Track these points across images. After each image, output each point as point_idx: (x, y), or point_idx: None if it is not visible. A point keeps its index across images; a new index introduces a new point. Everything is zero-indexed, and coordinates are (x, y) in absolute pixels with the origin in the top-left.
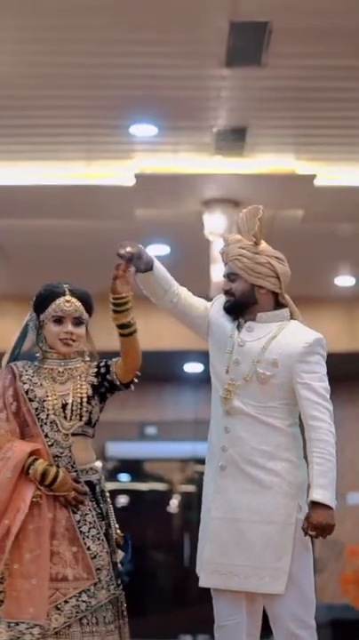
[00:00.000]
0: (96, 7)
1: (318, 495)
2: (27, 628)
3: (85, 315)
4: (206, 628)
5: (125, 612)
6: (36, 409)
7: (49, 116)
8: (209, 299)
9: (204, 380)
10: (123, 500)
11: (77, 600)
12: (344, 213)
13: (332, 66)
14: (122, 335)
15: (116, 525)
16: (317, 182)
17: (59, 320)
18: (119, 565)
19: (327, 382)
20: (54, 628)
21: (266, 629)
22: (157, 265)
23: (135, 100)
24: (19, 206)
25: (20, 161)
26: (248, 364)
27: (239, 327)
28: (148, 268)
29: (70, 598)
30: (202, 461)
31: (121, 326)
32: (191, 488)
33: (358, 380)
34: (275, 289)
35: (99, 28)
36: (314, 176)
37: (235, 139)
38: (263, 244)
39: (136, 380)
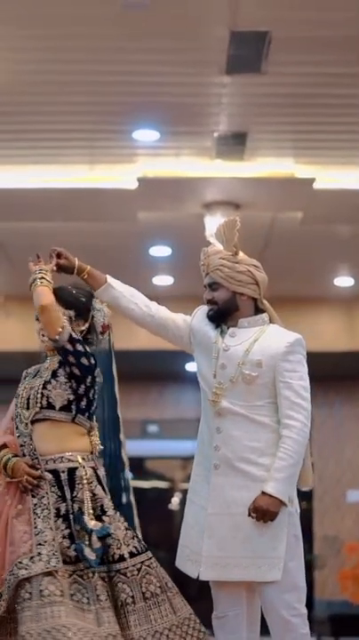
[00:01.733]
0: (100, 17)
1: (269, 487)
2: None
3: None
4: (207, 623)
5: (104, 597)
6: (16, 405)
7: (53, 121)
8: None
9: None
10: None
11: (9, 574)
12: (342, 215)
13: (330, 73)
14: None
15: (121, 519)
16: (316, 185)
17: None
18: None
19: (307, 381)
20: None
21: (265, 626)
22: (114, 280)
23: (138, 106)
24: (24, 209)
25: (26, 164)
26: (233, 367)
27: (222, 333)
28: (99, 282)
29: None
30: None
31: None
32: None
33: (357, 379)
34: (254, 295)
35: (103, 37)
36: (312, 179)
37: (235, 143)
38: (241, 254)
39: (60, 330)
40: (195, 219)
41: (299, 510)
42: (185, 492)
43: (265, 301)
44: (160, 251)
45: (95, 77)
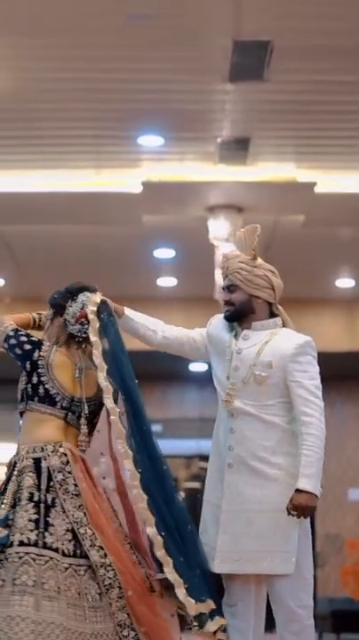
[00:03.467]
0: (106, 27)
1: (302, 483)
2: None
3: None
4: None
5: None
6: None
7: (60, 127)
8: (214, 301)
9: (209, 378)
10: None
11: None
12: (343, 219)
13: (330, 81)
14: (34, 328)
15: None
16: (317, 189)
17: None
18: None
19: (318, 380)
20: None
21: (268, 621)
22: (136, 313)
23: (143, 113)
24: (31, 212)
25: (33, 169)
26: (245, 368)
27: (236, 336)
28: (119, 314)
29: None
30: (206, 458)
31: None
32: (196, 484)
33: (358, 379)
34: (270, 299)
35: (109, 46)
36: (314, 183)
37: (238, 148)
38: (259, 259)
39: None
40: (199, 222)
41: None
42: (188, 491)
43: (279, 307)
44: (164, 253)
45: (101, 85)
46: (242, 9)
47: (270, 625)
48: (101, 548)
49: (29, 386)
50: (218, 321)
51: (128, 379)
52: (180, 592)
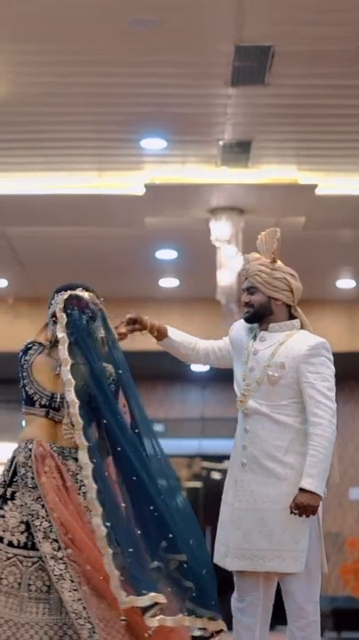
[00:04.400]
0: (110, 33)
1: (306, 483)
2: None
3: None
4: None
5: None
6: None
7: (65, 130)
8: (215, 301)
9: (210, 378)
10: None
11: None
12: (344, 220)
13: (330, 85)
14: None
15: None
16: (318, 191)
17: None
18: None
19: (331, 382)
20: None
21: (272, 621)
22: (175, 332)
23: (146, 117)
24: (35, 214)
25: (37, 172)
26: (260, 369)
27: (254, 338)
28: (162, 334)
29: None
30: (207, 458)
31: None
32: (197, 484)
33: None
34: (288, 302)
35: (112, 51)
36: (315, 185)
37: (240, 151)
38: (279, 262)
39: None
40: (201, 223)
41: (322, 507)
42: (189, 491)
43: (298, 309)
44: (166, 254)
45: (105, 89)
46: (244, 15)
47: (273, 623)
48: (56, 540)
49: (21, 390)
50: (239, 326)
51: (97, 374)
52: (113, 584)
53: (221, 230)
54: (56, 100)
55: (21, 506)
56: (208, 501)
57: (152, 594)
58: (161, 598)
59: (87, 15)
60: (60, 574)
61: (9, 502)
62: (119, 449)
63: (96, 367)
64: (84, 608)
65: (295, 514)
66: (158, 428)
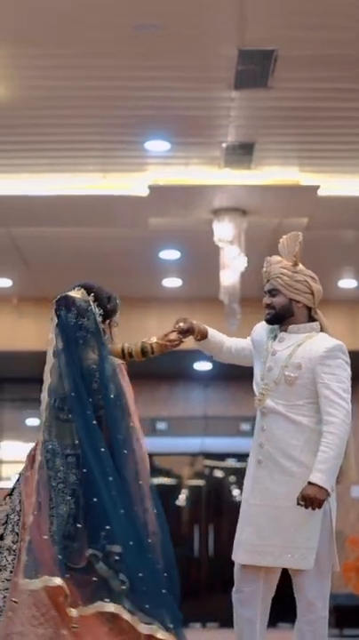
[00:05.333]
0: (116, 37)
1: (314, 477)
2: None
3: None
4: (215, 617)
5: None
6: None
7: (70, 132)
8: (218, 301)
9: (213, 377)
10: None
11: None
12: (345, 221)
13: (332, 88)
14: (124, 358)
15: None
16: (320, 192)
17: (116, 325)
18: None
19: (348, 384)
20: None
21: (273, 618)
22: (212, 332)
23: (150, 119)
24: (41, 215)
25: (43, 173)
26: (278, 369)
27: (274, 339)
28: (204, 336)
29: None
30: (210, 456)
31: (130, 360)
32: (200, 482)
33: None
34: (309, 304)
35: (117, 55)
36: (317, 187)
37: (243, 153)
38: (300, 265)
39: None
40: (204, 224)
41: (335, 506)
42: (191, 489)
43: (318, 311)
44: (169, 254)
45: (109, 92)
46: (246, 19)
47: (276, 621)
48: (17, 534)
49: None
50: (261, 327)
51: (74, 375)
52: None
53: (224, 231)
54: (61, 103)
55: (12, 501)
56: (210, 499)
57: (44, 577)
58: (56, 582)
59: (92, 20)
60: (5, 565)
61: (7, 497)
62: (76, 442)
63: (76, 372)
64: (4, 599)
65: (301, 505)
66: (161, 426)
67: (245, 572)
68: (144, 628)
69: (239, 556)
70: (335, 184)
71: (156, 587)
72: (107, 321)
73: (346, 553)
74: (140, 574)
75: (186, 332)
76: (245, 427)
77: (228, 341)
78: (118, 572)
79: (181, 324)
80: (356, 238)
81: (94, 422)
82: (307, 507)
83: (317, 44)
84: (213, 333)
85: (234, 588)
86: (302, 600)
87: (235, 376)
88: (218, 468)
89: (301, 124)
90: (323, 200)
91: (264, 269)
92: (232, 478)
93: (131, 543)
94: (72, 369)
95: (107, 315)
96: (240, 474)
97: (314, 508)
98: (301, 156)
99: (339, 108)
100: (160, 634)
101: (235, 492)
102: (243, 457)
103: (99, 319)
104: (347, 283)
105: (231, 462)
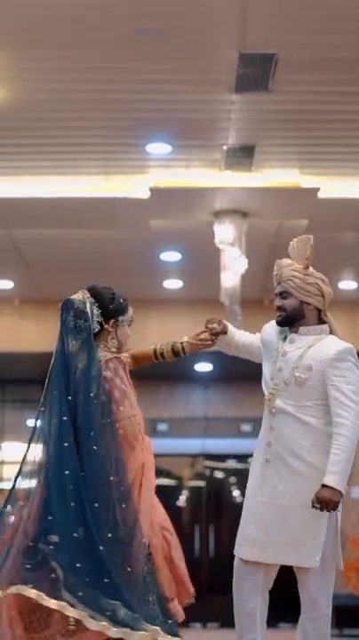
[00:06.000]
0: (118, 41)
1: (329, 480)
2: None
3: None
4: (215, 617)
5: None
6: None
7: (71, 135)
8: (219, 303)
9: (213, 379)
10: None
11: None
12: (345, 223)
13: (332, 92)
14: (156, 360)
15: None
16: (320, 195)
17: (130, 324)
18: None
19: (357, 386)
20: None
21: (274, 618)
22: (230, 328)
23: (151, 122)
24: (43, 217)
25: (45, 175)
26: (288, 370)
27: (284, 340)
28: (225, 333)
29: None
30: (210, 457)
31: (167, 361)
32: (200, 483)
33: None
34: (319, 306)
35: (119, 59)
36: (317, 189)
37: (243, 155)
38: (311, 268)
39: None
40: (205, 226)
41: (341, 506)
42: (192, 490)
43: (328, 313)
44: (170, 256)
45: (111, 95)
46: (247, 23)
47: (276, 621)
48: None
49: None
50: (270, 327)
51: (64, 375)
52: None
53: (225, 233)
54: (63, 106)
55: None
56: (211, 500)
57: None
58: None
59: (95, 24)
60: None
61: None
62: (48, 435)
63: (63, 376)
64: None
65: (316, 508)
66: (162, 427)
67: (246, 566)
68: (71, 612)
69: (244, 551)
70: (335, 186)
71: (99, 578)
72: (112, 321)
73: (346, 553)
74: (79, 565)
75: (218, 334)
76: (246, 428)
77: (237, 336)
78: (50, 560)
79: (215, 325)
80: (356, 240)
81: (65, 418)
82: (322, 509)
83: (317, 48)
84: (232, 330)
85: (234, 582)
86: (306, 597)
87: (236, 377)
88: (218, 469)
89: (301, 127)
90: (323, 202)
91: (275, 272)
92: (232, 479)
93: (75, 535)
94: (64, 370)
95: (111, 314)
96: (240, 475)
97: (329, 511)
98: (301, 159)
99: (339, 111)
100: (111, 631)
101: (236, 492)
102: (243, 458)
103: (97, 319)
104: (347, 284)
105: (232, 463)
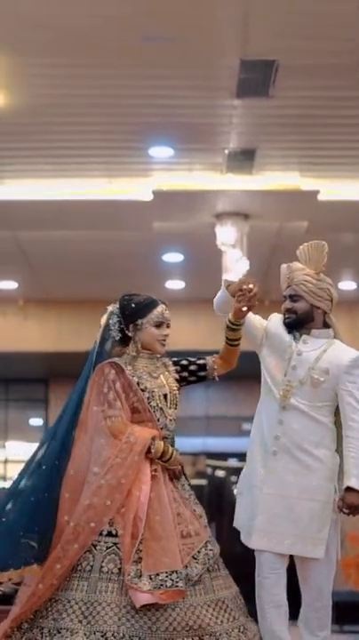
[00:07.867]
0: (123, 48)
1: (353, 483)
2: (166, 576)
3: None
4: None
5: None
6: (148, 398)
7: (76, 139)
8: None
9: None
10: None
11: (206, 550)
12: (345, 225)
13: (331, 97)
14: (232, 346)
15: None
16: (320, 197)
17: (159, 325)
18: None
19: None
20: (196, 575)
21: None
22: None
23: (154, 126)
24: (47, 219)
25: (50, 178)
26: (304, 370)
27: (296, 339)
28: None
29: (200, 549)
30: (212, 456)
31: (235, 339)
32: (202, 481)
33: None
34: (327, 310)
35: (124, 65)
36: (317, 191)
37: (245, 159)
38: (321, 274)
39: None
40: (207, 228)
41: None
42: (193, 488)
43: (332, 317)
44: (173, 257)
45: (115, 100)
46: (249, 31)
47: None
48: None
49: None
50: (277, 320)
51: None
52: None
53: (227, 235)
54: (68, 111)
55: None
56: (212, 499)
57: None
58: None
59: (99, 30)
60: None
61: None
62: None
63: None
64: None
65: (346, 513)
66: None
67: (268, 559)
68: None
69: (253, 541)
70: (334, 189)
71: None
72: (131, 325)
73: (346, 550)
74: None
75: (252, 292)
76: (247, 426)
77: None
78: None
79: (251, 286)
80: (355, 241)
81: (61, 416)
82: (349, 514)
83: (317, 54)
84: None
85: (258, 575)
86: (312, 587)
87: (237, 376)
88: (219, 467)
89: (301, 131)
90: (322, 204)
91: (286, 275)
92: (234, 478)
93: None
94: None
95: (129, 319)
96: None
97: (355, 515)
98: (301, 162)
99: (338, 116)
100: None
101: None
102: (244, 457)
103: (117, 327)
104: (346, 284)
105: (233, 462)
